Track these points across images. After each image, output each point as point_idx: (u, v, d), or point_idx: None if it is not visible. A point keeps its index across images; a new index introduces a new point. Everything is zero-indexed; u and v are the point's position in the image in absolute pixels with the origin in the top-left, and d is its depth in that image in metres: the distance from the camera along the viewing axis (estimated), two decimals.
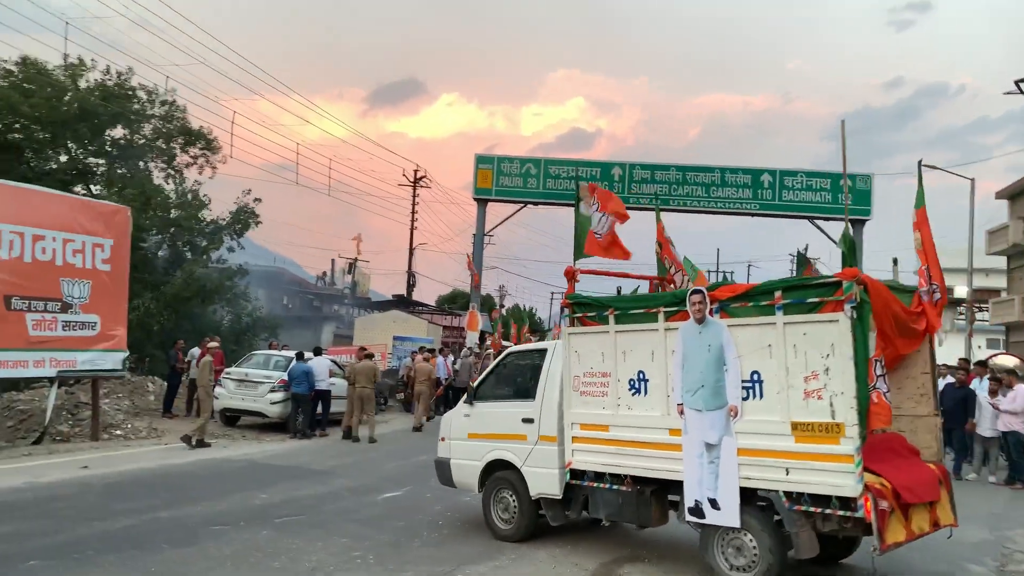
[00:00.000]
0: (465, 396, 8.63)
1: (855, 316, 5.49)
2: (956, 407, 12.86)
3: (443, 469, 8.47)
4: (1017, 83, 23.31)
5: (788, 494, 5.78)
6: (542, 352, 7.93)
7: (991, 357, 22.75)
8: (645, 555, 7.23)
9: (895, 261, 8.35)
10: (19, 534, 7.29)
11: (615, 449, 6.83)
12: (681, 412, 6.37)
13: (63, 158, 24.21)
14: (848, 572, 7.07)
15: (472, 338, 23.68)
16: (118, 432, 14.49)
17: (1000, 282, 38.09)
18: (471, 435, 8.18)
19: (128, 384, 18.74)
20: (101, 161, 25.38)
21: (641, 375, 6.72)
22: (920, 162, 7.79)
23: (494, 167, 25.83)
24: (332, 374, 16.90)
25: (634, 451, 6.70)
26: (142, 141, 25.73)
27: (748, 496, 6.02)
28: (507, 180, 25.71)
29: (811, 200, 25.02)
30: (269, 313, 32.60)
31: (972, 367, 15.16)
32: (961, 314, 31.12)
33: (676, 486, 6.48)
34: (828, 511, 5.64)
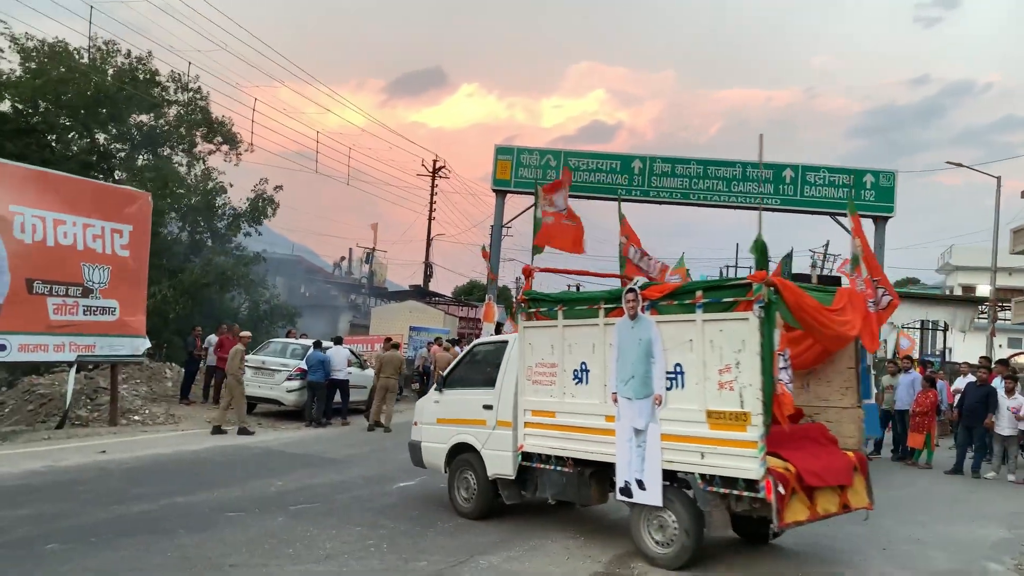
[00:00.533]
0: (435, 384, 9.39)
1: (763, 315, 6.01)
2: (977, 405, 12.73)
3: (415, 451, 9.17)
4: None
5: (703, 476, 6.33)
6: (504, 344, 8.49)
7: (1012, 356, 22.46)
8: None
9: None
10: (39, 516, 7.37)
11: (560, 434, 7.45)
12: (615, 400, 6.93)
13: (85, 142, 24.40)
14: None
15: (488, 329, 23.63)
16: (136, 417, 14.62)
17: (1023, 281, 37.61)
18: (439, 420, 8.82)
19: (146, 370, 18.92)
20: (122, 146, 25.57)
21: (584, 366, 7.31)
22: (852, 195, 8.65)
23: (513, 158, 25.75)
24: (350, 363, 16.97)
25: (576, 435, 7.32)
26: (165, 128, 25.90)
27: (670, 478, 6.58)
28: (526, 172, 25.60)
29: (833, 196, 24.73)
30: (286, 301, 32.77)
31: (993, 365, 14.97)
32: (983, 313, 30.74)
33: (613, 468, 6.99)
34: (736, 492, 6.16)
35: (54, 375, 16.02)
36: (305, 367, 16.11)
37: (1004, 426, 12.39)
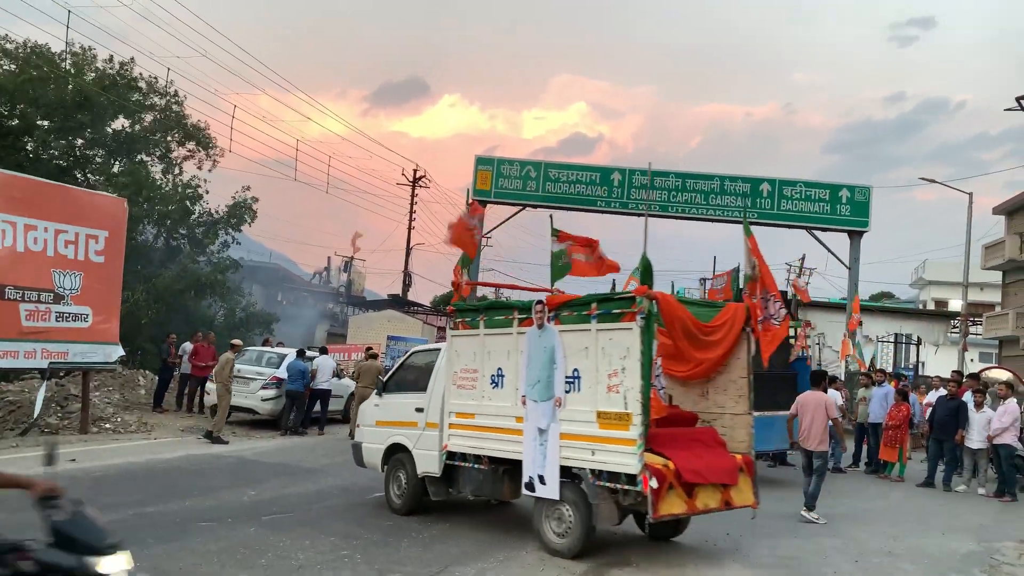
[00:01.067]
0: (375, 388, 9.95)
1: (644, 325, 6.73)
2: (948, 418, 12.89)
3: (357, 452, 9.79)
4: (1018, 99, 23.39)
5: (593, 471, 6.94)
6: (436, 351, 9.19)
7: (983, 371, 22.77)
8: (633, 559, 7.19)
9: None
10: (3, 526, 7.21)
11: (478, 434, 8.05)
12: (524, 403, 7.56)
13: (61, 145, 24.13)
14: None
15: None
16: (107, 426, 14.41)
17: (995, 296, 38.22)
18: (378, 422, 9.47)
19: (119, 377, 18.67)
20: (97, 152, 25.30)
21: (499, 371, 7.96)
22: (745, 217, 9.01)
23: (493, 169, 25.77)
24: (335, 373, 16.90)
25: (491, 435, 7.91)
26: (141, 134, 25.67)
27: (567, 474, 7.15)
28: (506, 182, 25.63)
29: (809, 210, 24.98)
30: (263, 309, 32.51)
31: (964, 379, 15.19)
32: (955, 327, 31.18)
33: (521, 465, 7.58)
34: (619, 486, 6.75)
35: (24, 382, 15.75)
36: (281, 376, 16.00)
37: (974, 439, 12.56)
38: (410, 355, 9.97)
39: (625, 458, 6.65)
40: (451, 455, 8.31)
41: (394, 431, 9.15)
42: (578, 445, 7.05)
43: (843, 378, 20.29)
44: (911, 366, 29.16)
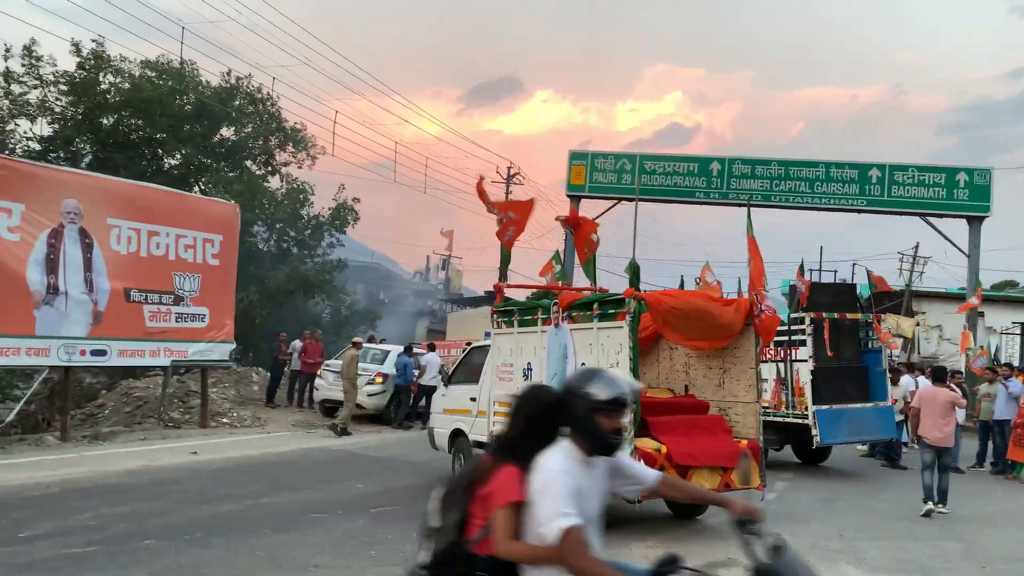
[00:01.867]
0: (442, 381, 11.75)
1: (631, 323, 7.61)
2: None
3: (430, 436, 11.09)
4: None
5: None
6: (487, 347, 10.12)
7: None
8: (740, 560, 7.01)
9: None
10: (136, 514, 7.73)
11: None
12: None
13: (178, 157, 25.56)
14: None
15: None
16: (224, 420, 15.19)
17: None
18: (444, 410, 10.80)
19: (234, 374, 19.64)
20: (210, 160, 26.67)
21: (528, 365, 8.88)
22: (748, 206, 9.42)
23: (588, 163, 25.64)
24: (440, 370, 17.27)
25: None
26: (244, 140, 26.88)
27: None
28: (600, 176, 25.46)
29: (923, 196, 23.71)
30: (366, 307, 33.46)
31: None
32: None
33: None
34: None
35: (149, 379, 16.79)
36: (386, 372, 16.50)
37: None
38: (469, 351, 11.32)
39: None
40: None
41: (455, 418, 10.39)
42: None
43: (963, 372, 19.17)
44: None
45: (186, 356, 14.04)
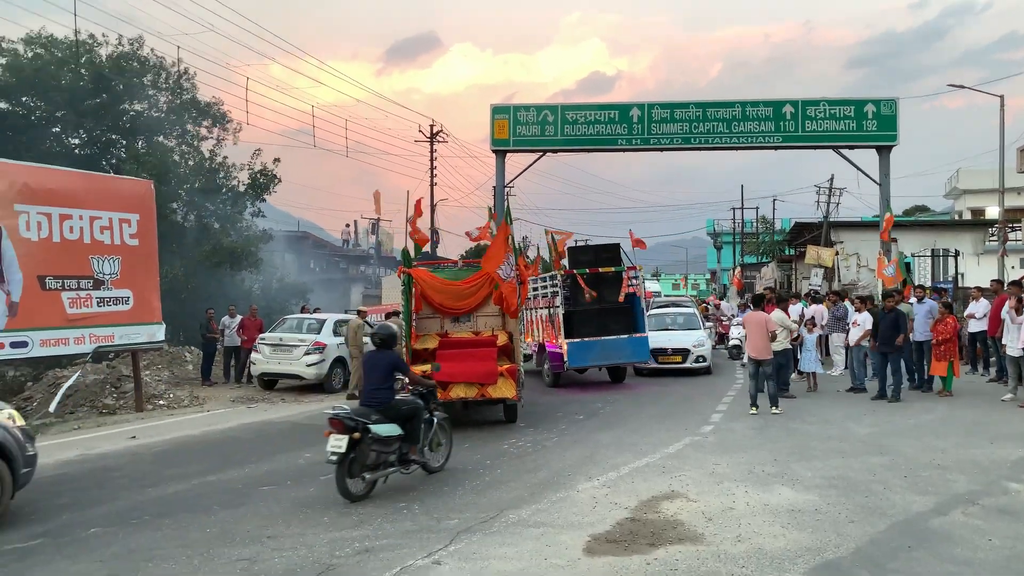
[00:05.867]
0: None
1: (404, 290, 12.11)
2: (888, 330, 13.37)
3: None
4: None
5: None
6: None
7: None
8: (682, 492, 7.34)
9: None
10: (78, 503, 7.57)
11: None
12: None
13: (82, 135, 24.41)
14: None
15: None
16: (161, 402, 14.88)
17: None
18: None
19: (166, 355, 19.20)
20: (117, 136, 25.56)
21: None
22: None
23: (510, 117, 25.54)
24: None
25: None
26: (157, 115, 25.83)
27: None
28: (524, 129, 25.42)
29: (835, 129, 24.49)
30: (296, 278, 32.91)
31: (1006, 287, 14.96)
32: (993, 236, 30.57)
33: None
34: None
35: (77, 367, 16.27)
36: (323, 341, 16.47)
37: (1015, 347, 12.38)
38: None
39: None
40: None
41: None
42: None
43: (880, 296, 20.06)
44: (950, 279, 28.74)
45: (113, 341, 13.62)
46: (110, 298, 13.48)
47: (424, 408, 8.22)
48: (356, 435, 7.22)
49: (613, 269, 16.91)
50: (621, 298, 16.56)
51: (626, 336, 16.24)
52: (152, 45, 45.53)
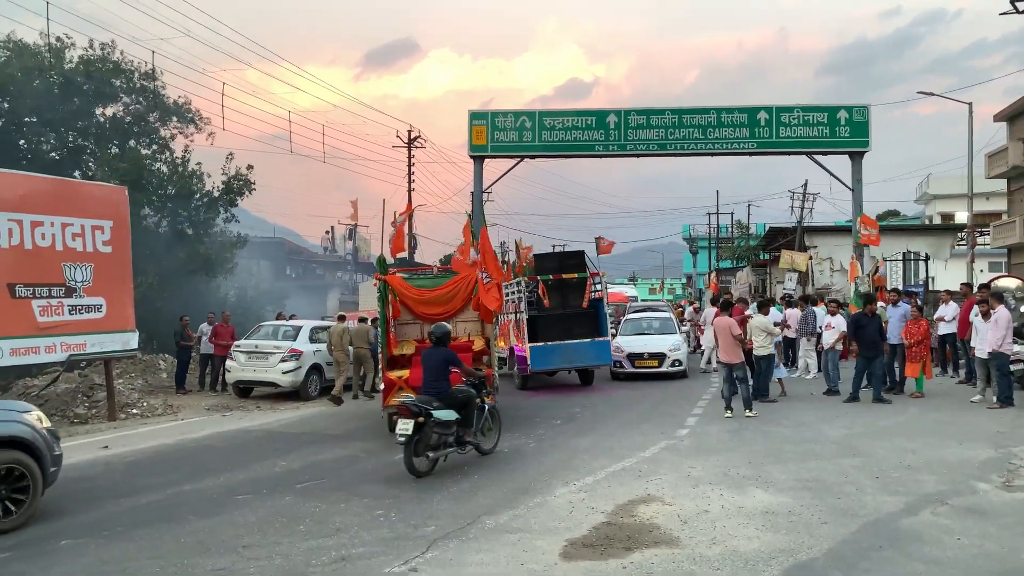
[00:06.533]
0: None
1: (380, 297, 11.85)
2: (873, 335, 13.40)
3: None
4: (1013, 2, 22.90)
5: None
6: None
7: (992, 280, 22.77)
8: (658, 496, 7.39)
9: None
10: (47, 515, 7.46)
11: None
12: None
13: (52, 140, 24.09)
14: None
15: None
16: (134, 411, 14.69)
17: (1001, 205, 37.97)
18: None
19: (139, 363, 18.96)
20: (89, 143, 25.26)
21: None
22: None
23: (488, 123, 25.61)
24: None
25: None
26: (127, 119, 25.56)
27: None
28: (502, 135, 25.51)
29: (808, 135, 24.84)
30: (272, 284, 32.68)
31: (975, 291, 15.23)
32: (962, 240, 31.10)
33: None
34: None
35: (48, 375, 16.03)
36: (299, 348, 16.38)
37: (983, 349, 12.59)
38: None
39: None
40: None
41: None
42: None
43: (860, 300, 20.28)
44: (921, 283, 29.18)
45: (85, 349, 13.43)
46: (82, 306, 13.30)
47: (476, 396, 9.41)
48: (420, 419, 8.34)
49: (577, 275, 17.36)
50: (584, 303, 17.02)
51: (589, 340, 16.71)
52: (125, 49, 45.09)
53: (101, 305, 13.65)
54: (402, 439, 8.32)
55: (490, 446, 9.74)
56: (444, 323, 10.13)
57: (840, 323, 14.71)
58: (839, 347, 14.62)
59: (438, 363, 9.15)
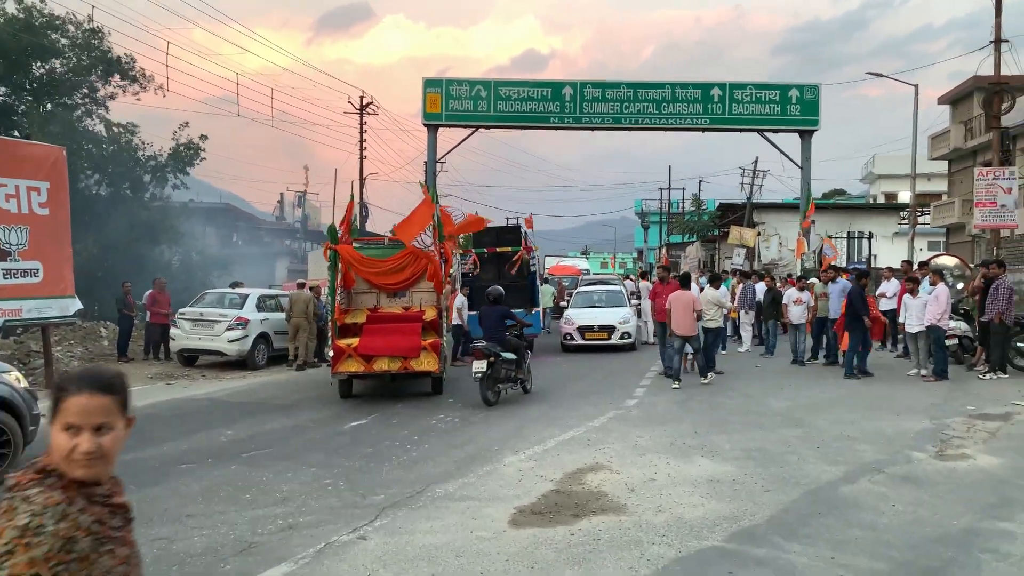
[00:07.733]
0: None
1: (331, 265, 12.12)
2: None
3: None
4: None
5: None
6: None
7: (932, 258, 23.48)
8: (606, 464, 7.47)
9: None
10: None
11: None
12: None
13: None
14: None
15: None
16: None
17: (942, 186, 39.08)
18: None
19: (79, 330, 18.42)
20: (22, 99, 24.18)
21: None
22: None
23: (443, 91, 25.28)
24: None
25: None
26: (66, 76, 24.51)
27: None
28: (457, 104, 25.22)
29: (760, 113, 25.12)
30: (218, 251, 31.98)
31: (915, 268, 15.69)
32: (904, 218, 31.97)
33: None
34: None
35: None
36: (246, 316, 16.08)
37: (913, 324, 12.99)
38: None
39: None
40: None
41: None
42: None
43: (799, 275, 20.79)
44: (864, 260, 29.96)
45: (20, 315, 12.95)
46: (17, 270, 12.79)
47: (524, 345, 11.86)
48: (492, 359, 10.66)
49: (511, 249, 18.33)
50: (513, 270, 18.04)
51: (521, 310, 16.92)
52: (64, 3, 43.19)
53: (38, 270, 13.15)
54: (479, 374, 10.48)
55: (530, 386, 12.02)
56: (497, 286, 12.18)
57: (809, 299, 15.43)
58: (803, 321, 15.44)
59: (495, 318, 11.40)
